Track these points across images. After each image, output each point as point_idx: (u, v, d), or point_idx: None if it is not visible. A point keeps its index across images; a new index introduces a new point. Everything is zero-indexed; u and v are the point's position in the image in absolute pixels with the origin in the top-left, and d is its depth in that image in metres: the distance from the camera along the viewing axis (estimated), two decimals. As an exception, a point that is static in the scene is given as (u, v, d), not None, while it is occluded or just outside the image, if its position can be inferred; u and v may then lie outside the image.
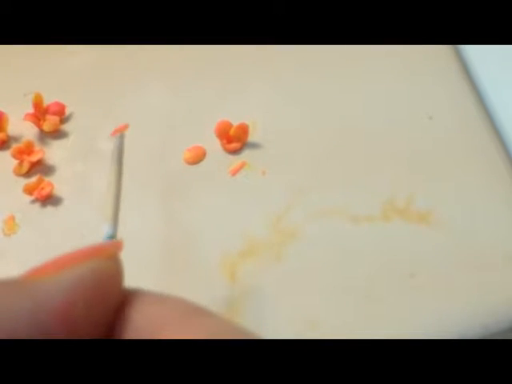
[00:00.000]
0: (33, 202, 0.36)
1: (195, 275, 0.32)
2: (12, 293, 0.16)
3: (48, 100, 0.39)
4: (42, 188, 0.36)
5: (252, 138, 0.37)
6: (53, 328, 0.16)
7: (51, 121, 0.38)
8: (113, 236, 0.22)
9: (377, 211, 0.34)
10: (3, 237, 0.35)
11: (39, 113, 0.38)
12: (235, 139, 0.36)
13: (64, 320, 0.16)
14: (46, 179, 0.36)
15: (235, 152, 0.37)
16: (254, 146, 0.37)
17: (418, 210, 0.34)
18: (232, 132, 0.36)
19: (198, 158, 0.36)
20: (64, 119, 0.39)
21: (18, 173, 0.37)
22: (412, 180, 0.35)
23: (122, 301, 0.18)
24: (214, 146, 0.37)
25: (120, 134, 0.35)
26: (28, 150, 0.37)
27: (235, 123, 0.37)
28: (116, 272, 0.18)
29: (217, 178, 0.36)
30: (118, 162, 0.31)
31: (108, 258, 0.18)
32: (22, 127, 0.39)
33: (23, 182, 0.36)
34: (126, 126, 0.36)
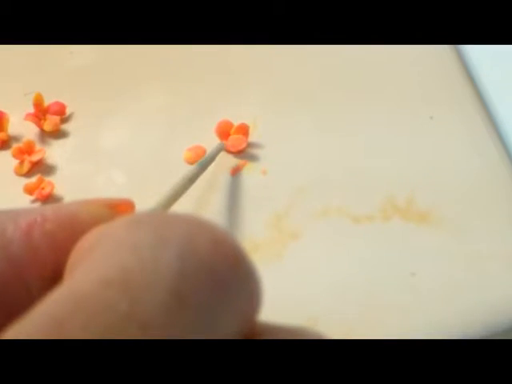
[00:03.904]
0: (33, 201, 0.36)
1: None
2: None
3: (48, 100, 0.39)
4: (43, 188, 0.36)
5: (252, 137, 0.37)
6: (16, 245, 0.15)
7: (52, 120, 0.38)
8: None
9: (377, 210, 0.34)
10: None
11: (40, 112, 0.38)
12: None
13: (26, 237, 0.16)
14: (47, 179, 0.36)
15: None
16: (255, 145, 0.37)
17: (418, 209, 0.34)
18: (232, 132, 0.36)
19: (198, 157, 0.36)
20: (64, 119, 0.39)
21: (19, 173, 0.37)
22: (412, 179, 0.35)
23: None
24: (214, 145, 0.37)
25: (221, 143, 0.35)
26: (28, 149, 0.37)
27: (236, 123, 0.37)
28: (102, 220, 0.16)
29: (217, 177, 0.36)
30: (204, 166, 0.31)
31: (107, 206, 0.17)
32: (22, 127, 0.39)
33: (24, 181, 0.36)
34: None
